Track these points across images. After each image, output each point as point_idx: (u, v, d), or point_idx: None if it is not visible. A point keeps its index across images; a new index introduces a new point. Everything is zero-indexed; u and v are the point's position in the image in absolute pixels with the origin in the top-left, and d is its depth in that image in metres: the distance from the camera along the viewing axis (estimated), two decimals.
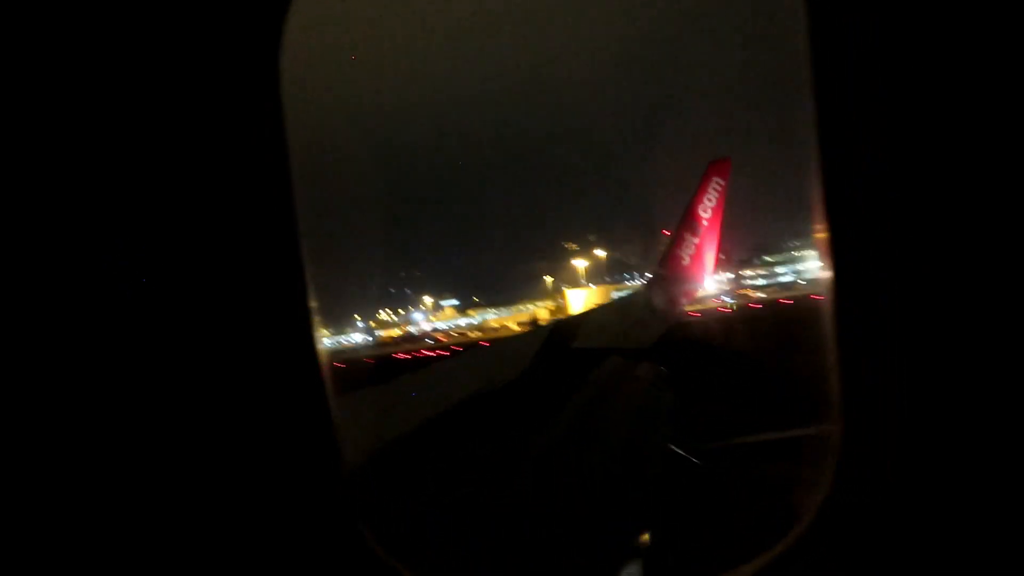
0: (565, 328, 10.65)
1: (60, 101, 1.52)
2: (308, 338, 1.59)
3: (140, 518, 1.55)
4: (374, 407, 4.83)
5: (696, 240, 17.03)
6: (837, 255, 1.46)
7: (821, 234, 1.46)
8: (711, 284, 19.35)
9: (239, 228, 1.55)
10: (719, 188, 17.32)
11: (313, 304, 1.60)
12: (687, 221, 17.15)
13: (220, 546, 1.55)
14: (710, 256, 17.31)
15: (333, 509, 1.58)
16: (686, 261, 16.82)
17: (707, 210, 17.21)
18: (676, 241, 16.99)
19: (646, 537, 3.36)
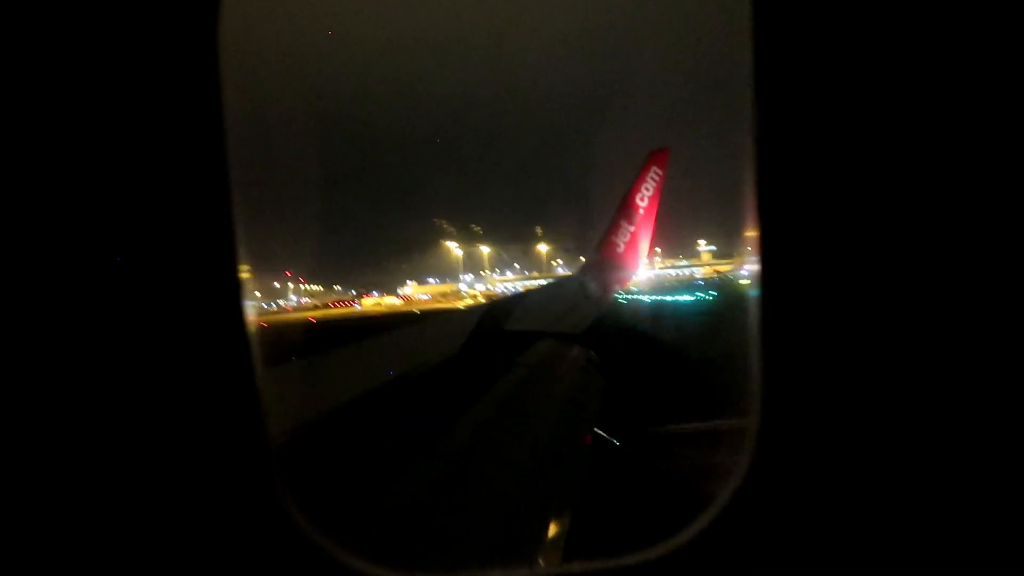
0: (499, 310, 10.68)
1: None
2: (236, 304, 1.54)
3: (57, 489, 1.48)
4: (304, 380, 4.76)
5: (632, 228, 17.27)
6: (765, 250, 1.49)
7: (752, 229, 1.50)
8: (643, 271, 19.68)
9: (166, 189, 1.49)
10: (657, 178, 17.57)
11: (243, 268, 1.55)
12: (624, 209, 17.36)
13: (135, 520, 1.50)
14: (644, 244, 17.58)
15: (257, 482, 1.55)
16: (621, 248, 17.04)
17: (644, 199, 17.44)
18: (612, 228, 17.18)
19: (566, 517, 3.41)
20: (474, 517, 3.06)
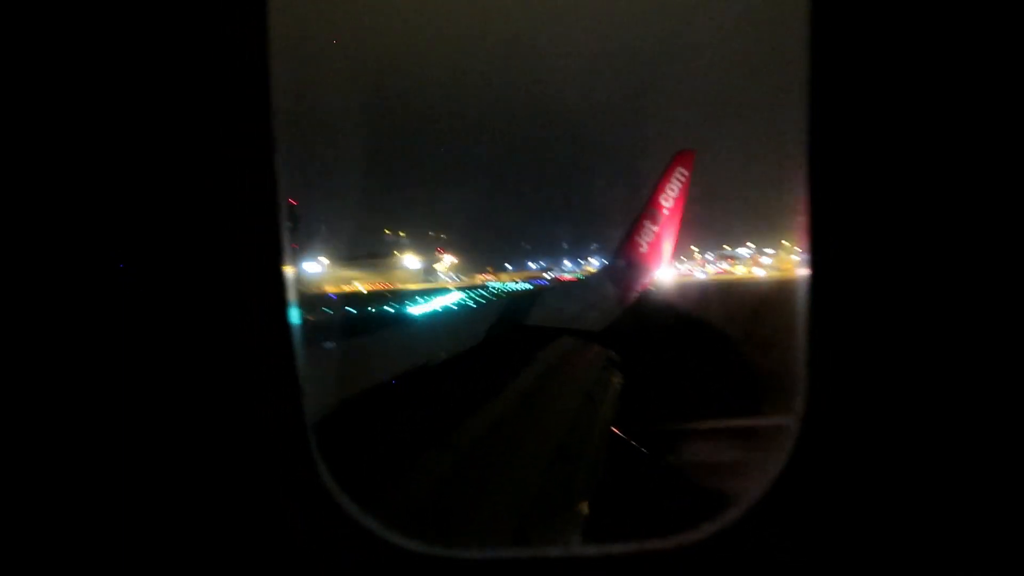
0: (520, 305, 10.70)
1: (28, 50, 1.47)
2: (278, 287, 1.57)
3: (100, 472, 1.52)
4: (336, 362, 4.85)
5: (655, 228, 17.19)
6: (816, 249, 1.47)
7: (801, 226, 1.47)
8: (666, 272, 19.55)
9: (210, 173, 1.52)
10: (682, 179, 17.48)
11: (286, 257, 1.58)
12: (648, 209, 17.29)
13: (178, 498, 1.54)
14: (668, 245, 17.50)
15: (297, 457, 1.58)
16: (643, 248, 16.98)
17: (668, 200, 17.36)
18: (635, 228, 17.12)
19: (585, 508, 3.43)
20: (491, 501, 3.10)
